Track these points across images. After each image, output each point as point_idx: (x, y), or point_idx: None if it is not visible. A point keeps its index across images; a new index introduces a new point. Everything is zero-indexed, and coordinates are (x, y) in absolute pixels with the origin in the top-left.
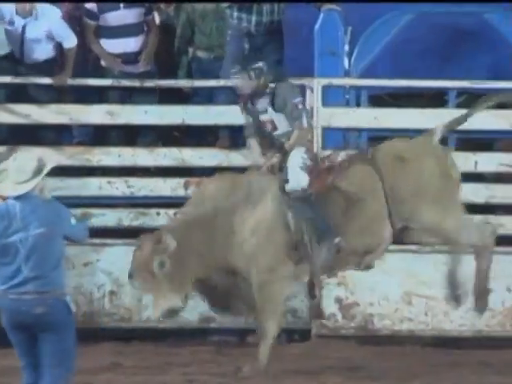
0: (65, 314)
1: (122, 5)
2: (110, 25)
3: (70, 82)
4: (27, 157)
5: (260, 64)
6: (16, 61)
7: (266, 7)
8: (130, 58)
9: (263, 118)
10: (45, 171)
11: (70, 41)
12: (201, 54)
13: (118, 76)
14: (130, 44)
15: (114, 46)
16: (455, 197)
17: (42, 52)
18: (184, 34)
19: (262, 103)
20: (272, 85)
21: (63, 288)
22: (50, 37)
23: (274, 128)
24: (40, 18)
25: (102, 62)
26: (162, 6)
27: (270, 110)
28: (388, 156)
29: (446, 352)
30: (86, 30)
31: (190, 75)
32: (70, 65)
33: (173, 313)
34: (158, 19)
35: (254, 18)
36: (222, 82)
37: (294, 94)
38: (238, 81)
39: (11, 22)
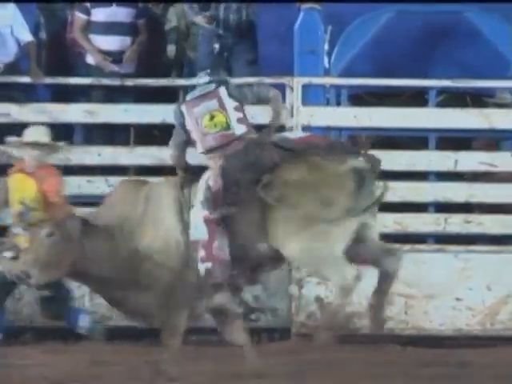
0: None
1: (114, 2)
2: (99, 20)
3: (50, 80)
4: None
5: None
6: None
7: (232, 7)
8: (114, 57)
9: None
10: None
11: (26, 35)
12: (192, 54)
13: (101, 75)
14: (116, 42)
15: (99, 42)
16: None
17: (15, 42)
18: (181, 35)
19: None
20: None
21: None
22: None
23: None
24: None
25: (89, 59)
26: (151, 5)
27: None
28: None
29: (425, 351)
30: (75, 25)
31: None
32: (34, 59)
33: None
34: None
35: (221, 20)
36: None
37: None
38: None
39: None
